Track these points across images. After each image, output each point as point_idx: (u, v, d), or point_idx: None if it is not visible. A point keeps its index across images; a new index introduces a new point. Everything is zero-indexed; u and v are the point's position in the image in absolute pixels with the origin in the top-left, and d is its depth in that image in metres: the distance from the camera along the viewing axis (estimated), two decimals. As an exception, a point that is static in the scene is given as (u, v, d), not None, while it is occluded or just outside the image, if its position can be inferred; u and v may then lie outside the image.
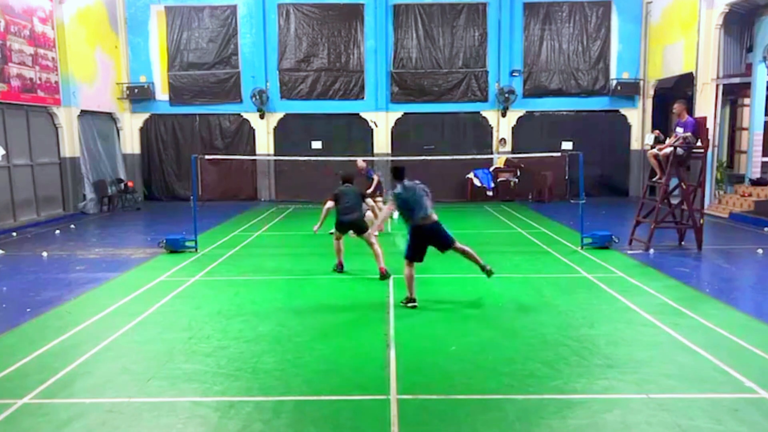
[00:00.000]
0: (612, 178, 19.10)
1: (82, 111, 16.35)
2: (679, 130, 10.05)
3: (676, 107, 10.32)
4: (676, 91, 17.18)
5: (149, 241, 11.55)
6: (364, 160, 13.26)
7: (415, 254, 6.97)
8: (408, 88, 18.86)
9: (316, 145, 18.77)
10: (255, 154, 19.04)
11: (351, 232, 8.78)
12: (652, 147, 10.67)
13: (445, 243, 7.07)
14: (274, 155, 18.91)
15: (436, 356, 5.47)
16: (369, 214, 11.75)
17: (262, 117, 18.85)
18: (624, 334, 5.99)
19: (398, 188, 7.09)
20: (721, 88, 14.90)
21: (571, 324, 6.30)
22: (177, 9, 18.69)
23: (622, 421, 4.20)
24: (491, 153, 18.66)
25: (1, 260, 10.21)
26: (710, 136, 13.48)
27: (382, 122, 18.83)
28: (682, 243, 10.60)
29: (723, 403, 4.45)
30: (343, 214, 8.70)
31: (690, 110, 15.05)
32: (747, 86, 14.85)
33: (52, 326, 6.43)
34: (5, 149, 13.20)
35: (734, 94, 16.56)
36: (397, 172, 7.26)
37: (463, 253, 7.17)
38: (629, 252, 10.06)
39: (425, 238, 6.99)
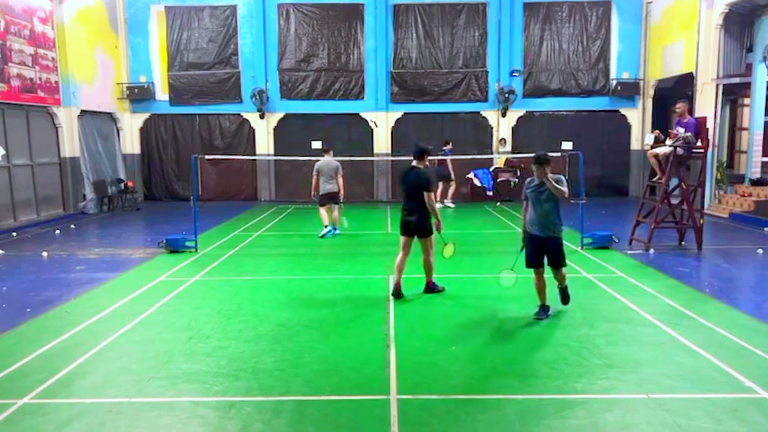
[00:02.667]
0: (612, 178, 19.09)
1: (82, 111, 16.35)
2: (681, 129, 10.03)
3: (680, 106, 10.30)
4: (676, 91, 17.19)
5: (149, 241, 11.55)
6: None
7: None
8: (408, 88, 18.86)
9: (316, 145, 18.73)
10: (255, 154, 19.04)
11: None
12: (652, 147, 10.67)
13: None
14: (274, 155, 18.91)
15: (436, 356, 5.47)
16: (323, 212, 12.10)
17: (262, 117, 18.85)
18: (624, 334, 5.99)
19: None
20: (721, 88, 14.90)
21: (571, 324, 6.30)
22: (177, 9, 18.69)
23: (622, 421, 4.21)
24: (491, 153, 18.65)
25: (1, 260, 10.21)
26: (710, 136, 13.48)
27: (382, 122, 18.83)
28: (682, 243, 10.60)
29: (723, 403, 4.45)
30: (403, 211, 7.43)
31: (690, 110, 15.08)
32: (747, 86, 14.85)
33: (52, 326, 6.43)
34: (5, 149, 13.20)
35: (734, 94, 16.56)
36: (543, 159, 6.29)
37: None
38: (629, 252, 10.06)
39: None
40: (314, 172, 11.93)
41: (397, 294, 7.29)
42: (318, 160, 12.07)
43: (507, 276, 7.04)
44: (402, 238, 7.39)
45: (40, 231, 13.29)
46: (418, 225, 7.24)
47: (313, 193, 12.04)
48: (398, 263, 7.38)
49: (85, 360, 5.44)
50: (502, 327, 6.28)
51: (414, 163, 7.36)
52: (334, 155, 12.24)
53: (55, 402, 4.61)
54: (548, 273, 6.60)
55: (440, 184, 16.06)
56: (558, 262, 6.50)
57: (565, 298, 6.74)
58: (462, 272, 8.81)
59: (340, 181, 11.91)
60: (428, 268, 7.50)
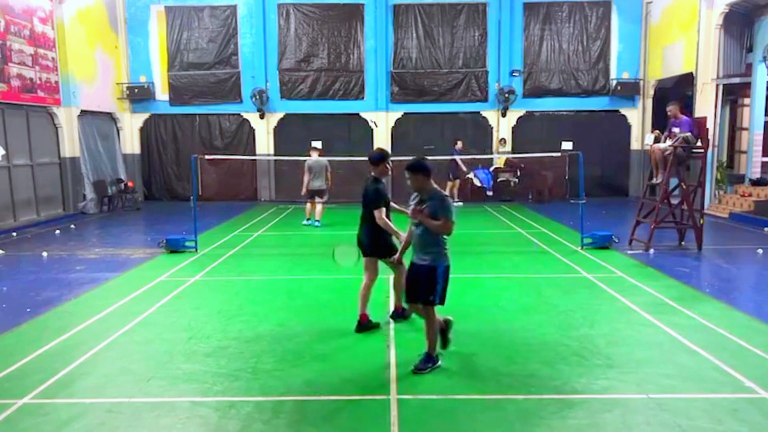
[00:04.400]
0: (612, 178, 19.09)
1: (82, 111, 16.34)
2: (676, 130, 10.06)
3: (670, 109, 10.33)
4: (676, 91, 17.19)
5: (149, 241, 11.55)
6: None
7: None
8: (408, 88, 18.86)
9: (316, 145, 18.71)
10: (255, 154, 19.04)
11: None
12: (652, 147, 10.68)
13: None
14: (274, 155, 18.91)
15: (436, 356, 5.46)
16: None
17: (262, 117, 18.85)
18: (624, 334, 5.99)
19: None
20: (721, 88, 14.90)
21: (571, 324, 6.30)
22: (177, 9, 18.69)
23: (622, 421, 4.20)
24: (491, 153, 18.66)
25: (1, 260, 10.21)
26: (710, 136, 13.49)
27: (382, 122, 18.83)
28: (682, 243, 10.60)
29: (723, 403, 4.45)
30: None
31: (690, 110, 15.08)
32: (747, 86, 14.84)
33: (52, 326, 6.43)
34: (5, 149, 13.20)
35: (734, 94, 16.55)
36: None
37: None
38: (629, 252, 10.06)
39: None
40: (305, 169, 13.01)
41: (362, 326, 6.10)
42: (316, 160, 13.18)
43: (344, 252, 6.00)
44: (363, 259, 6.21)
45: (40, 231, 13.29)
46: (365, 243, 6.17)
47: (303, 190, 13.13)
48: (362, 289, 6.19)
49: (85, 360, 5.44)
50: (501, 327, 6.27)
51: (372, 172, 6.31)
52: (335, 155, 12.59)
53: (55, 402, 4.60)
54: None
55: (457, 182, 17.25)
56: (422, 296, 5.04)
57: (443, 340, 5.33)
58: (462, 272, 8.80)
59: (329, 177, 13.20)
60: (398, 289, 6.29)
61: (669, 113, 10.35)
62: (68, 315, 6.86)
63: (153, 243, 11.13)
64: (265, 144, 19.06)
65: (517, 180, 18.34)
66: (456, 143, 17.00)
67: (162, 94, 19.02)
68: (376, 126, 18.85)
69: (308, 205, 13.41)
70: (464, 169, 17.10)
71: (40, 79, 14.76)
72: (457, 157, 16.56)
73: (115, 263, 9.71)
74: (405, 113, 18.99)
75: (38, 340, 5.95)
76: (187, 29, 18.73)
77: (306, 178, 13.00)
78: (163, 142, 19.35)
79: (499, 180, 18.22)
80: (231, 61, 18.90)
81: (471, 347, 5.66)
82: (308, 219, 13.43)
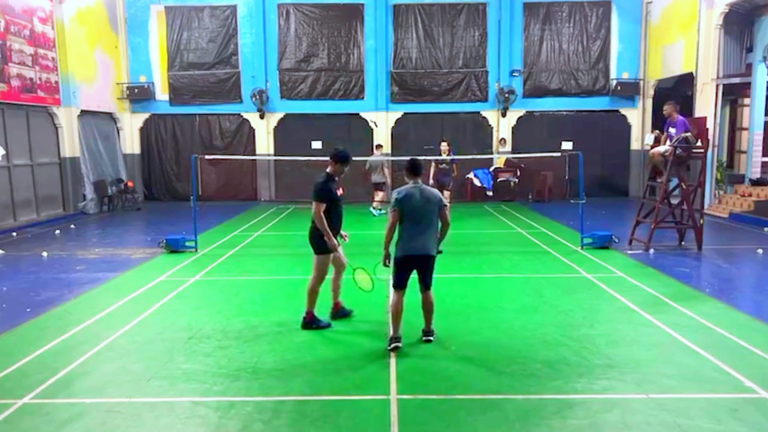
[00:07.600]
0: (612, 178, 19.09)
1: (82, 111, 16.35)
2: (672, 130, 10.07)
3: (666, 109, 10.33)
4: (676, 91, 17.19)
5: (149, 241, 11.55)
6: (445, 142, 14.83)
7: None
8: (408, 88, 18.86)
9: (316, 145, 18.76)
10: (255, 154, 19.04)
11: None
12: (652, 147, 10.70)
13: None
14: (274, 155, 18.92)
15: (436, 356, 5.47)
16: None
17: (262, 117, 18.86)
18: (624, 334, 5.99)
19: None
20: (721, 88, 14.90)
21: (571, 324, 6.30)
22: (177, 9, 18.69)
23: (622, 421, 4.21)
24: (491, 153, 18.66)
25: (1, 260, 10.21)
26: (710, 136, 13.48)
27: (382, 122, 18.83)
28: (682, 243, 10.60)
29: (723, 403, 4.45)
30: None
31: (691, 110, 15.08)
32: (747, 86, 14.85)
33: (52, 326, 6.43)
34: (5, 149, 13.20)
35: (734, 94, 16.54)
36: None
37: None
38: (629, 252, 10.06)
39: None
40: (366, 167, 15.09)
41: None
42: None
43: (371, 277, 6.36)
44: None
45: (40, 231, 13.29)
46: (309, 237, 6.31)
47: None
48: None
49: (85, 360, 5.44)
50: (501, 327, 6.28)
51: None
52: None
53: (55, 402, 4.61)
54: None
55: (446, 193, 13.13)
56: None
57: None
58: (462, 272, 8.81)
59: (386, 171, 15.21)
60: (336, 288, 6.61)
61: (664, 113, 10.36)
62: (68, 315, 6.86)
63: (153, 243, 11.14)
64: (265, 144, 19.06)
65: (517, 180, 18.33)
66: (440, 143, 13.62)
67: (162, 94, 19.03)
68: (376, 126, 18.85)
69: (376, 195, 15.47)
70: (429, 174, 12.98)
71: (40, 79, 14.76)
72: (433, 158, 13.19)
73: (115, 263, 9.71)
74: (405, 113, 18.99)
75: (38, 340, 5.95)
76: (187, 29, 18.74)
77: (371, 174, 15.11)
78: (163, 142, 19.35)
79: (499, 180, 18.21)
80: (231, 61, 18.90)
81: (471, 347, 5.67)
82: (373, 208, 15.25)
